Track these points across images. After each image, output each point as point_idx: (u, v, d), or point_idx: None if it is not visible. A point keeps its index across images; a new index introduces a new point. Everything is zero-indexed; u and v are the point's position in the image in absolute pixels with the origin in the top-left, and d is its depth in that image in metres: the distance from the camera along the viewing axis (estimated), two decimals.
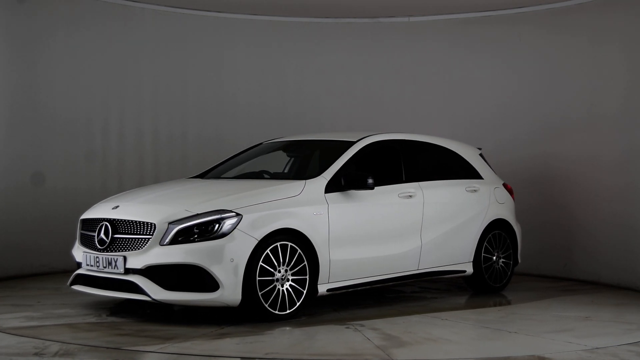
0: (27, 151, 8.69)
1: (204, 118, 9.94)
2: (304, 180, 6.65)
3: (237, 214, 6.03)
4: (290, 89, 10.27)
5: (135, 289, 5.96)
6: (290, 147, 7.93)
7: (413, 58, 10.11)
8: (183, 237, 5.95)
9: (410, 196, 7.25)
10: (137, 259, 5.97)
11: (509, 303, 7.54)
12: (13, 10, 8.59)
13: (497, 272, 7.96)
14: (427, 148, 7.84)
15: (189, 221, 5.98)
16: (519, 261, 8.26)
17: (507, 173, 8.81)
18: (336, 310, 6.76)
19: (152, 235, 5.99)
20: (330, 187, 6.67)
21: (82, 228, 6.60)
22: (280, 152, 7.96)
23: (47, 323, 6.10)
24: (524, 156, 9.46)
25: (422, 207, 7.32)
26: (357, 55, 10.25)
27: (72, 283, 6.53)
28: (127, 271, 6.00)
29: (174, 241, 5.95)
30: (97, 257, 6.21)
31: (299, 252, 6.28)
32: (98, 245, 6.25)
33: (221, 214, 6.02)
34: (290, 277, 6.24)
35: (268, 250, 6.09)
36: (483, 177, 8.12)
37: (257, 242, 6.02)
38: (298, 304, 6.28)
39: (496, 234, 7.98)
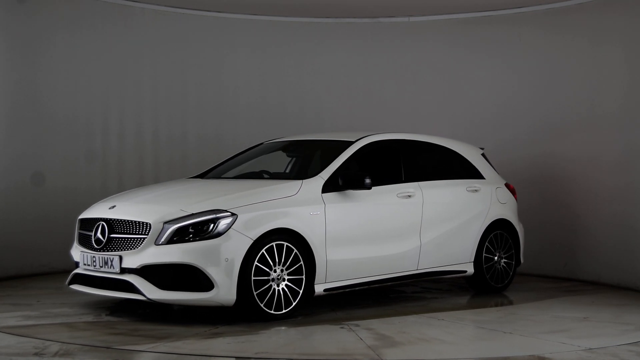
0: (27, 151, 8.71)
1: (204, 118, 9.95)
2: (300, 180, 6.66)
3: (232, 214, 6.04)
4: (291, 89, 10.27)
5: (131, 288, 5.97)
6: (291, 147, 7.94)
7: (413, 58, 10.11)
8: (178, 236, 5.96)
9: (410, 196, 7.24)
10: (133, 259, 5.99)
11: (510, 303, 7.53)
12: (13, 11, 8.61)
13: (499, 273, 7.94)
14: (427, 148, 7.84)
15: (184, 221, 5.99)
16: (522, 261, 8.24)
17: (507, 173, 8.79)
18: (333, 310, 6.76)
19: (147, 234, 6.00)
20: (328, 187, 6.67)
21: (80, 228, 6.63)
22: (282, 152, 7.96)
23: (43, 322, 6.12)
24: (524, 156, 9.45)
25: (421, 207, 7.31)
26: (357, 55, 10.25)
27: (71, 282, 6.55)
28: (123, 271, 6.02)
29: (169, 241, 5.96)
30: (93, 256, 6.23)
31: (295, 252, 6.28)
32: (95, 245, 6.27)
33: (216, 213, 6.02)
34: (286, 277, 6.24)
35: (263, 250, 6.09)
36: (485, 177, 8.10)
37: (252, 241, 6.02)
38: (294, 303, 6.27)
39: (498, 234, 7.96)
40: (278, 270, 6.19)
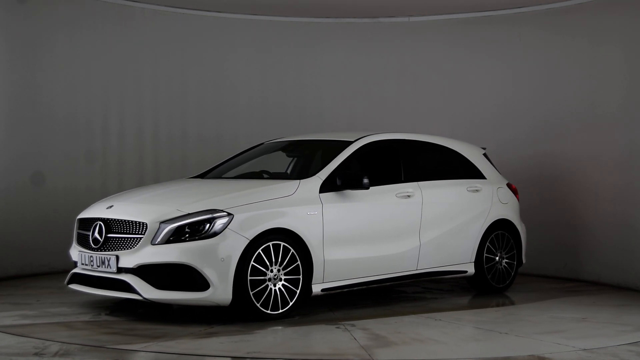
0: (27, 151, 8.73)
1: (204, 118, 9.96)
2: (298, 180, 6.66)
3: (229, 214, 6.04)
4: (291, 89, 10.27)
5: (127, 288, 5.99)
6: (291, 147, 7.93)
7: (413, 58, 10.10)
8: (174, 236, 5.97)
9: (409, 196, 7.23)
10: (129, 258, 6.00)
11: (512, 303, 7.51)
12: (13, 11, 8.62)
13: (500, 273, 7.92)
14: (427, 148, 7.82)
15: (180, 220, 6.00)
16: (524, 262, 8.22)
17: (507, 173, 8.78)
18: (331, 310, 6.76)
19: (144, 234, 6.01)
20: (326, 187, 6.67)
21: (79, 227, 6.65)
22: (282, 152, 7.96)
23: (39, 321, 6.13)
24: (524, 156, 9.43)
25: (420, 207, 7.30)
26: (357, 55, 10.24)
27: (69, 282, 6.56)
28: (120, 270, 6.03)
29: (166, 240, 5.97)
30: (91, 256, 6.25)
31: (292, 252, 6.27)
32: (92, 245, 6.28)
33: (212, 213, 6.03)
34: (283, 277, 6.24)
35: (260, 250, 6.09)
36: (486, 177, 8.08)
37: (248, 241, 6.03)
38: (291, 303, 6.27)
39: (499, 234, 7.94)
40: (275, 270, 6.19)
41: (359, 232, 6.82)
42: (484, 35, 9.76)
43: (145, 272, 5.95)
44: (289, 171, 7.74)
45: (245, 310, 6.09)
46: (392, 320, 6.39)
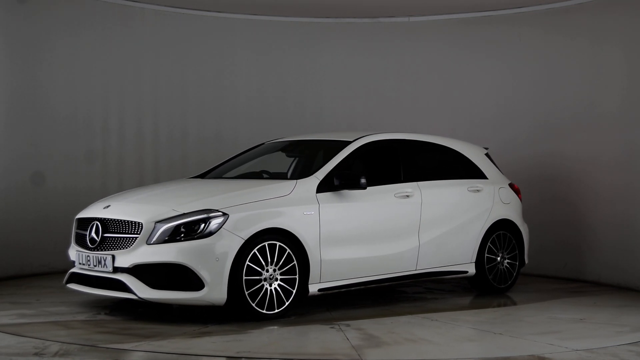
0: (27, 150, 8.74)
1: (204, 118, 9.97)
2: (295, 180, 6.66)
3: (224, 214, 6.05)
4: (291, 89, 10.27)
5: (123, 287, 6.00)
6: (291, 148, 7.93)
7: (413, 58, 10.10)
8: (170, 236, 5.98)
9: (408, 196, 7.22)
10: (125, 258, 6.01)
11: (514, 304, 7.48)
12: (13, 11, 8.64)
13: (502, 273, 7.90)
14: (426, 148, 7.80)
15: (176, 220, 6.01)
16: (526, 262, 8.20)
17: (507, 173, 8.76)
18: (328, 310, 6.75)
19: (139, 234, 6.03)
20: (323, 187, 6.66)
21: (77, 227, 6.66)
22: (282, 152, 7.96)
23: (36, 320, 6.15)
24: (524, 156, 9.42)
25: (419, 207, 7.29)
26: (357, 55, 10.24)
27: (68, 281, 6.57)
28: (116, 270, 6.04)
29: (161, 240, 5.98)
30: (88, 255, 6.27)
31: (288, 252, 6.27)
32: (89, 244, 6.30)
33: (207, 213, 6.03)
34: (279, 277, 6.24)
35: (255, 250, 6.10)
36: (488, 177, 8.06)
37: (243, 241, 6.03)
38: (287, 303, 6.27)
39: (501, 235, 7.92)
40: (270, 270, 6.19)
41: (356, 232, 6.80)
42: (484, 35, 9.75)
43: (141, 271, 5.96)
44: (290, 171, 7.73)
45: (240, 310, 6.09)
46: (388, 321, 6.38)
